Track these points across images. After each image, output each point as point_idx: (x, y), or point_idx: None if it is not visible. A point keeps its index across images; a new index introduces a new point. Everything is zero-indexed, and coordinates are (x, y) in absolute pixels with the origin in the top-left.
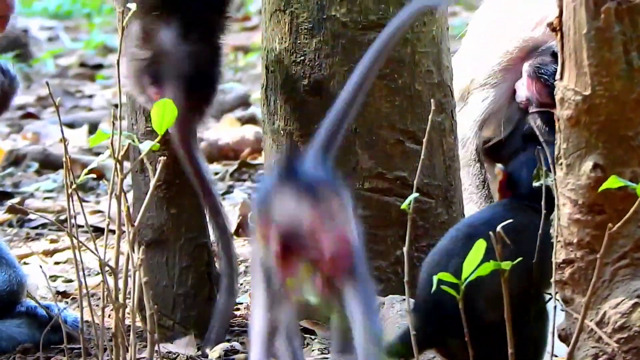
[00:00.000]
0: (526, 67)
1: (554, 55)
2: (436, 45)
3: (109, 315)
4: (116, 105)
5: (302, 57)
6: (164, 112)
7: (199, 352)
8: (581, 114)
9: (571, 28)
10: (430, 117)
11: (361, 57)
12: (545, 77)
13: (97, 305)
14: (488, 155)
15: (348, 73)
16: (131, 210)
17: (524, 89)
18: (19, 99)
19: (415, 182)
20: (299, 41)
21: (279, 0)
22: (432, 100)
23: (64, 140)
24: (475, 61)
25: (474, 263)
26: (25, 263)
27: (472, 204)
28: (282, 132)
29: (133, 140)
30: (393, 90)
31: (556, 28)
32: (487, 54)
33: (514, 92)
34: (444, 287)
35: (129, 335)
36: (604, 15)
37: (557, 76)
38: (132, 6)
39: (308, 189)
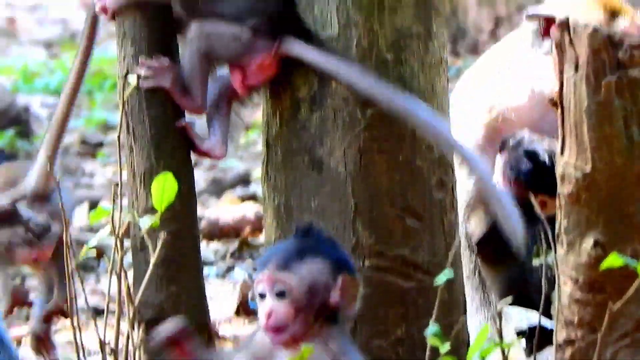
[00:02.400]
0: (500, 164)
1: (527, 152)
2: None
3: None
4: (117, 183)
5: (303, 132)
6: (164, 189)
7: None
8: (582, 190)
9: (572, 102)
10: (432, 193)
11: (362, 132)
12: (522, 175)
13: None
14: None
15: (349, 148)
16: (131, 289)
17: (500, 185)
18: None
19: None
20: (299, 116)
21: (279, 74)
22: (433, 176)
23: (64, 219)
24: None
25: None
26: (21, 344)
27: (467, 289)
28: (282, 208)
29: (133, 217)
30: (393, 166)
31: (556, 103)
32: (461, 130)
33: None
34: None
35: None
36: (604, 89)
37: (557, 151)
38: (133, 79)
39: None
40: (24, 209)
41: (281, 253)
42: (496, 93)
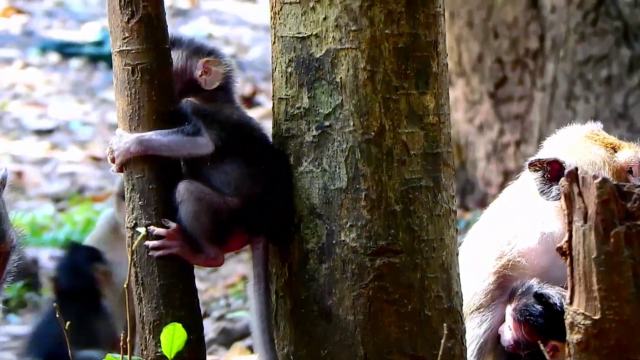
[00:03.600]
0: (510, 311)
1: (537, 295)
2: (446, 271)
3: None
4: (125, 332)
5: (312, 283)
6: (173, 338)
7: None
8: (591, 338)
9: (581, 252)
10: (442, 342)
11: (371, 282)
12: (532, 318)
13: None
14: None
15: (357, 298)
16: None
17: (511, 333)
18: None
19: None
20: (308, 266)
21: (289, 226)
22: (443, 325)
23: None
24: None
25: None
26: None
27: None
28: (292, 357)
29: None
30: (403, 316)
31: (565, 252)
32: (472, 279)
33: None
34: None
35: None
36: (613, 239)
37: (567, 300)
38: (142, 230)
39: None
40: None
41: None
42: (506, 241)
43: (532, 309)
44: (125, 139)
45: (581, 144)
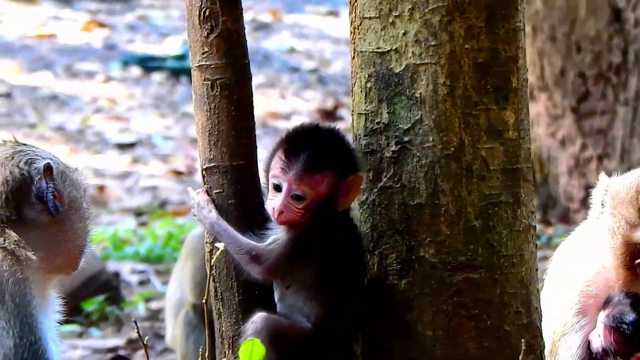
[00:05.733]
0: (603, 317)
1: (633, 304)
2: (525, 287)
3: None
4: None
5: (391, 298)
6: (252, 354)
7: None
8: None
9: None
10: (520, 358)
11: (450, 297)
12: (624, 326)
13: None
14: None
15: (436, 314)
16: None
17: (600, 340)
18: (110, 341)
19: None
20: (387, 282)
21: (368, 241)
22: (522, 341)
23: None
24: (552, 312)
25: None
26: None
27: None
28: None
29: None
30: (482, 331)
31: None
32: (560, 303)
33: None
34: None
35: None
36: None
37: None
38: (220, 246)
39: None
40: None
41: (304, 160)
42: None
43: (625, 317)
44: (205, 212)
45: None
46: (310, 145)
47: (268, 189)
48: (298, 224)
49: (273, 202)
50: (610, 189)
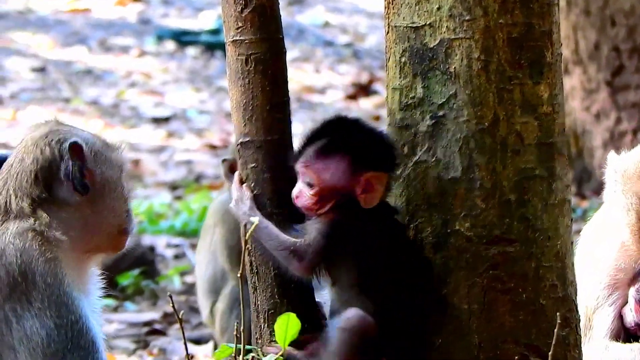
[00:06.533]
0: (633, 292)
1: None
2: (560, 260)
3: None
4: (239, 321)
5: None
6: (287, 327)
7: None
8: None
9: None
10: (555, 331)
11: (485, 271)
12: None
13: None
14: None
15: (472, 288)
16: None
17: (632, 314)
18: (145, 315)
19: None
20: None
21: (403, 216)
22: (557, 314)
23: (187, 356)
24: (584, 288)
25: None
26: None
27: None
28: None
29: (257, 354)
30: (517, 305)
31: None
32: (589, 279)
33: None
34: None
35: None
36: None
37: None
38: (255, 220)
39: None
40: None
41: (315, 146)
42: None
43: None
44: (243, 209)
45: None
46: (327, 134)
47: None
48: (325, 216)
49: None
50: (620, 167)
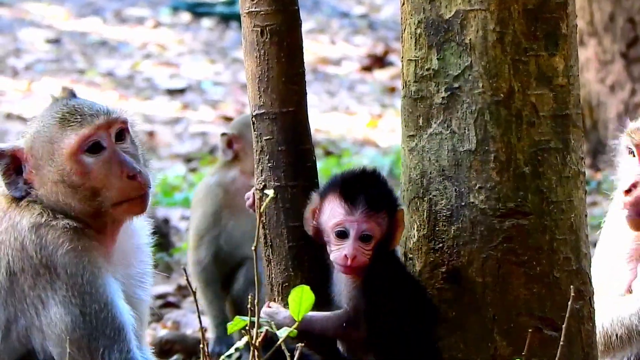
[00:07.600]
0: None
1: None
2: (574, 233)
3: None
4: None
5: (441, 245)
6: (301, 301)
7: None
8: None
9: None
10: (569, 304)
11: (499, 244)
12: None
13: None
14: None
15: (486, 260)
16: None
17: None
18: (159, 288)
19: None
20: (437, 228)
21: (417, 188)
22: (571, 287)
23: (201, 329)
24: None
25: None
26: None
27: None
28: None
29: (271, 327)
30: (531, 278)
31: None
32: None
33: None
34: None
35: None
36: None
37: None
38: (270, 192)
39: None
40: None
41: (366, 201)
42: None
43: None
44: (280, 317)
45: None
46: (364, 188)
47: (327, 242)
48: (360, 273)
49: (342, 250)
50: (635, 134)
